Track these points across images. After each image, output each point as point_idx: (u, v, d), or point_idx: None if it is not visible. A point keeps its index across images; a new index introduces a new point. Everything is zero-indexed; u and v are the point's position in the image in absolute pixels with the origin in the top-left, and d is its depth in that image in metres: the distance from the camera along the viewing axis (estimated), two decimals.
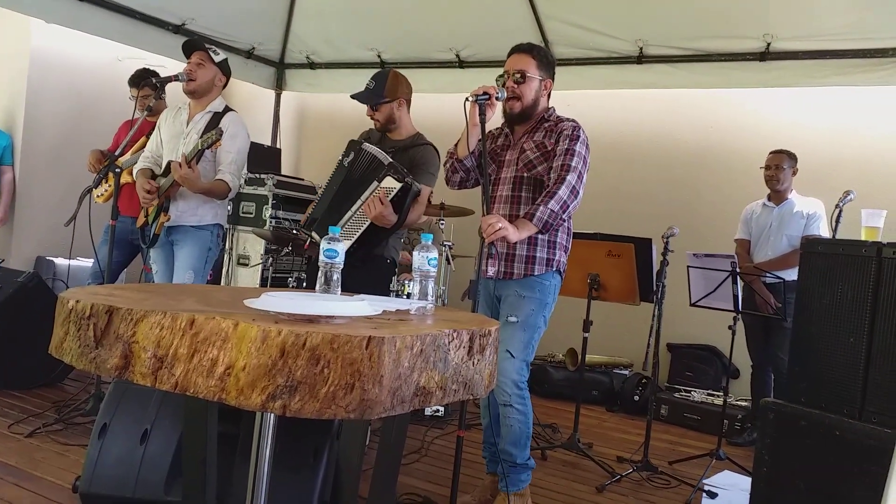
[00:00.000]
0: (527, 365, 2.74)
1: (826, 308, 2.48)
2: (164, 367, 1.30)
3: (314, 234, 3.07)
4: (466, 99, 2.59)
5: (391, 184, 2.88)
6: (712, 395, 4.82)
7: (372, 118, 3.20)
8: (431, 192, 3.19)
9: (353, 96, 3.20)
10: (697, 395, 4.84)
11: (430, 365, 1.39)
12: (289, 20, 5.86)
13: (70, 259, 4.48)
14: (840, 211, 3.37)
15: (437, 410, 4.13)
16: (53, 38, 5.48)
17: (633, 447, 3.85)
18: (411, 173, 2.97)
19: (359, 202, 2.95)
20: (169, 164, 3.32)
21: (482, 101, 2.56)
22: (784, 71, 4.48)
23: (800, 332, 2.60)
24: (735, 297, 3.65)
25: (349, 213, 2.96)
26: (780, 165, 4.19)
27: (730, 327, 3.70)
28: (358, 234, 2.93)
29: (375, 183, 2.92)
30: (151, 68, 4.44)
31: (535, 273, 2.71)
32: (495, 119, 2.67)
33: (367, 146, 3.04)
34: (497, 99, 2.61)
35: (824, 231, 4.06)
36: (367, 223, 2.92)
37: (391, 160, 2.95)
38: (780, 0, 4.19)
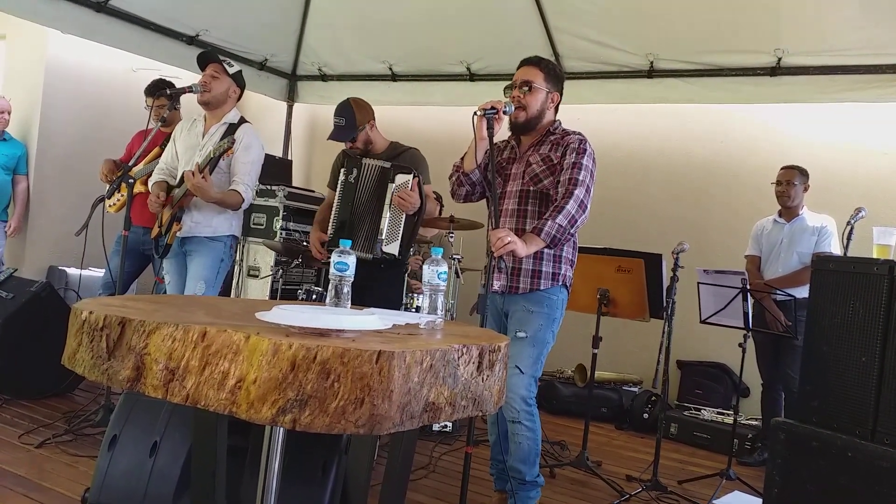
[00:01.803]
0: (535, 381, 2.73)
1: (837, 326, 2.46)
2: (176, 379, 1.31)
3: (360, 253, 3.17)
4: (474, 113, 2.61)
5: (404, 178, 3.17)
6: (722, 414, 4.78)
7: (352, 148, 3.37)
8: (439, 199, 3.33)
9: (329, 138, 3.38)
10: (707, 413, 4.80)
11: (439, 380, 1.38)
12: (301, 32, 5.90)
13: (82, 269, 4.51)
14: (851, 228, 3.35)
15: (445, 426, 4.11)
16: (69, 48, 5.55)
17: (643, 466, 3.82)
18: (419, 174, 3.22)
19: (387, 205, 3.20)
20: (184, 174, 3.35)
21: (490, 115, 2.58)
22: (795, 86, 4.47)
23: (811, 350, 2.58)
24: (745, 314, 3.63)
25: (385, 219, 3.19)
26: (791, 181, 4.17)
27: (740, 345, 3.67)
28: (401, 230, 3.18)
29: (391, 184, 3.19)
30: (167, 79, 4.48)
31: (541, 287, 2.71)
32: (501, 132, 2.69)
33: (367, 160, 3.30)
34: (504, 113, 2.62)
35: (836, 248, 4.04)
36: (404, 218, 3.19)
37: (390, 163, 3.26)
38: (791, 15, 4.18)
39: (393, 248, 3.16)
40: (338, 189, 3.31)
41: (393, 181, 3.18)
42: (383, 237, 3.17)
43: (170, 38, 5.23)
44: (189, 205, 3.37)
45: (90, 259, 3.73)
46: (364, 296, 2.65)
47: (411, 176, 3.16)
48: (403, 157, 3.34)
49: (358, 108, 3.34)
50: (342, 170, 3.33)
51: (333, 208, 3.31)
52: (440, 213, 4.25)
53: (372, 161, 3.28)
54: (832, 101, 4.45)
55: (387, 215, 3.18)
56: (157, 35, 5.14)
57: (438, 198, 4.29)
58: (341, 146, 3.43)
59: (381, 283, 3.18)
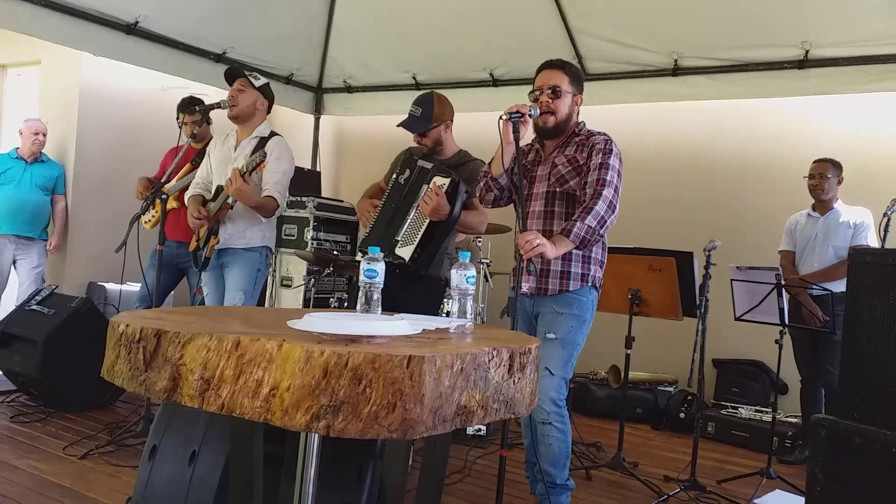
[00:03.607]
0: (566, 382, 2.71)
1: (877, 320, 2.41)
2: (211, 388, 1.33)
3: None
4: (500, 117, 2.61)
5: (440, 181, 2.95)
6: (760, 412, 4.70)
7: (419, 143, 3.22)
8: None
9: (400, 125, 3.21)
10: (745, 411, 4.73)
11: (470, 384, 1.39)
12: (325, 45, 5.98)
13: (121, 284, 4.61)
14: (888, 219, 3.29)
15: (479, 430, 4.11)
16: (101, 70, 5.70)
17: (680, 466, 3.78)
18: (469, 188, 3.02)
19: (413, 208, 3.01)
20: (219, 188, 3.41)
21: (515, 119, 2.57)
22: (824, 78, 4.39)
23: (851, 345, 2.52)
24: (781, 310, 3.57)
25: (407, 221, 3.01)
26: (824, 174, 4.10)
27: (777, 341, 3.61)
28: (419, 235, 2.96)
29: (425, 186, 3.00)
30: (196, 96, 4.58)
31: (570, 289, 2.70)
32: (526, 135, 2.69)
33: (422, 161, 3.11)
34: (530, 116, 2.62)
35: (872, 241, 3.96)
36: (426, 224, 2.96)
37: (432, 163, 3.04)
38: (817, 7, 4.12)
39: (405, 253, 2.95)
40: (388, 187, 3.17)
41: (428, 182, 2.99)
42: (398, 238, 2.99)
43: (197, 57, 5.33)
44: (224, 218, 3.43)
45: (128, 274, 3.82)
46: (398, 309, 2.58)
47: (448, 181, 2.94)
48: (468, 167, 3.17)
49: (439, 102, 3.18)
50: (397, 169, 3.18)
51: (379, 207, 3.16)
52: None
53: (423, 163, 3.09)
54: (862, 91, 4.37)
55: (410, 216, 3.01)
56: (185, 54, 5.25)
57: None
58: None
59: (416, 298, 2.97)
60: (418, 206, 2.99)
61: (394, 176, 3.16)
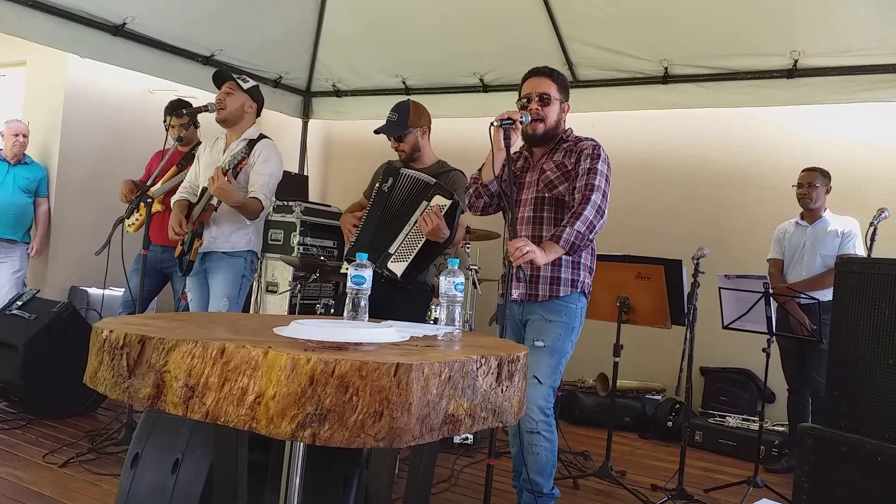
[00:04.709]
0: (553, 391, 2.70)
1: (863, 329, 2.42)
2: (196, 396, 1.31)
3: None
4: (491, 124, 2.61)
5: (442, 202, 2.95)
6: (748, 421, 4.71)
7: (397, 150, 3.24)
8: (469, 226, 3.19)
9: (377, 131, 3.25)
10: (732, 420, 4.74)
11: (458, 392, 1.37)
12: (315, 49, 5.96)
13: (103, 289, 4.56)
14: (875, 229, 3.31)
15: (466, 438, 4.09)
16: (87, 72, 5.64)
17: (668, 475, 3.77)
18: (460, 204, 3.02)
19: (410, 222, 3.00)
20: (204, 190, 3.36)
21: (507, 125, 2.57)
22: (812, 88, 4.42)
23: (837, 354, 2.54)
24: (769, 318, 3.58)
25: (402, 235, 3.01)
26: (812, 183, 4.13)
27: (764, 350, 3.62)
28: (414, 253, 2.97)
29: (425, 202, 2.99)
30: (184, 99, 4.54)
31: (560, 294, 2.69)
32: (517, 142, 2.68)
33: (406, 170, 3.11)
34: (521, 123, 2.62)
35: (860, 250, 3.98)
36: (423, 241, 2.96)
37: (436, 180, 3.03)
38: (806, 17, 4.15)
39: (397, 268, 2.96)
40: (371, 197, 3.17)
41: (429, 200, 2.98)
42: (392, 252, 2.99)
43: (185, 59, 5.29)
44: (208, 220, 3.39)
45: (111, 279, 3.77)
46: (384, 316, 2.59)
47: (450, 202, 2.93)
48: (448, 178, 3.17)
49: (415, 108, 3.23)
50: (379, 179, 3.19)
51: (363, 216, 3.17)
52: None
53: (412, 172, 3.10)
54: (850, 101, 4.40)
55: (406, 232, 3.01)
56: (173, 56, 5.21)
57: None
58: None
59: (402, 306, 2.98)
60: (416, 223, 2.98)
61: (377, 185, 3.16)
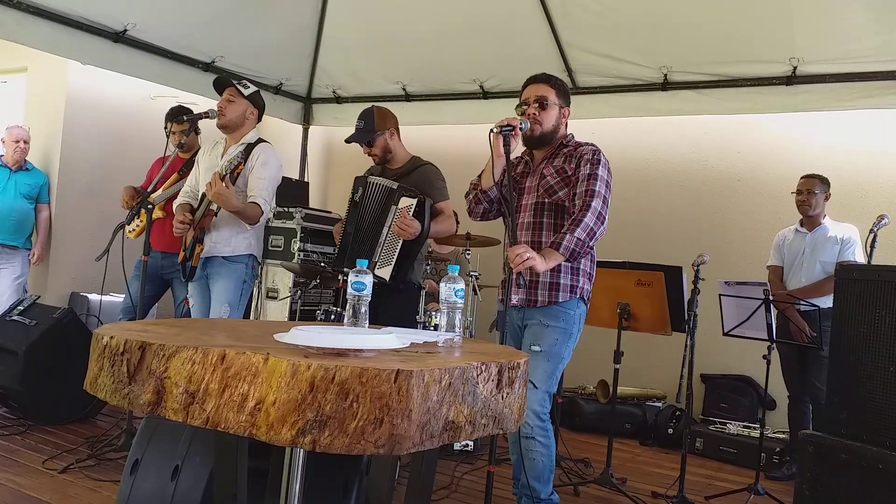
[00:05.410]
0: (549, 396, 2.70)
1: (864, 336, 2.42)
2: (196, 402, 1.31)
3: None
4: (491, 130, 2.62)
5: (407, 202, 3.14)
6: (748, 428, 4.70)
7: (370, 154, 3.39)
8: (456, 213, 3.34)
9: (347, 140, 3.39)
10: (733, 427, 4.73)
11: (458, 399, 1.37)
12: (315, 56, 5.97)
13: (102, 295, 4.56)
14: (874, 236, 3.31)
15: (467, 445, 4.08)
16: (88, 78, 5.65)
17: (668, 482, 3.76)
18: (421, 193, 3.20)
19: (386, 229, 3.18)
20: (203, 195, 3.36)
21: (506, 132, 2.59)
22: (812, 95, 4.43)
23: (837, 361, 2.53)
24: (769, 325, 3.58)
25: (381, 240, 3.17)
26: (811, 190, 4.13)
27: (764, 357, 3.62)
28: (395, 255, 3.13)
29: (394, 207, 3.17)
30: (185, 105, 4.55)
31: (559, 300, 2.69)
32: (517, 148, 2.70)
33: (373, 178, 3.29)
34: (521, 129, 2.63)
35: (859, 257, 3.98)
36: (400, 244, 3.13)
37: (398, 183, 3.22)
38: (805, 24, 4.16)
39: (384, 273, 3.12)
40: (346, 209, 3.34)
41: (397, 203, 3.16)
42: (376, 259, 3.15)
43: (186, 66, 5.31)
44: (209, 225, 3.39)
45: (111, 285, 3.77)
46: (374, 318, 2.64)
47: (415, 201, 3.11)
48: (419, 172, 3.33)
49: (379, 113, 3.36)
50: (351, 190, 3.34)
51: (342, 228, 3.35)
52: (456, 231, 4.24)
53: (378, 180, 3.27)
54: (849, 108, 4.41)
55: (383, 238, 3.17)
56: (174, 63, 5.22)
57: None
58: (357, 169, 3.45)
59: (392, 306, 3.10)
60: (390, 227, 3.15)
61: (350, 197, 3.32)
